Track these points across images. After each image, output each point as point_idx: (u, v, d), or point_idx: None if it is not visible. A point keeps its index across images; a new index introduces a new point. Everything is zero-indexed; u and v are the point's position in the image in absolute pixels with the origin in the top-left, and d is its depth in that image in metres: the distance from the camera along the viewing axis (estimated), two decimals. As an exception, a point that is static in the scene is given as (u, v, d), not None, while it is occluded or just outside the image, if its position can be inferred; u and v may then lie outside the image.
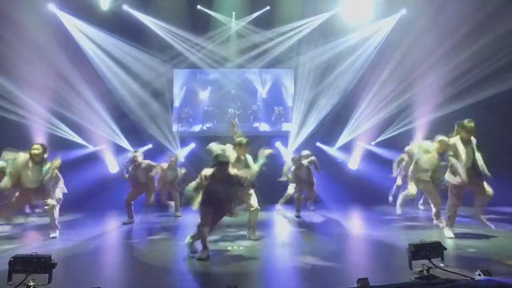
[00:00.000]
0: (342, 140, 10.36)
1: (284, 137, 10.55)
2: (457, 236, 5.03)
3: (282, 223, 7.10)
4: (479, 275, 3.10)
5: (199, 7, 9.93)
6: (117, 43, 9.84)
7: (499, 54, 8.60)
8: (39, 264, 2.93)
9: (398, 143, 9.68)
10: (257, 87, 10.68)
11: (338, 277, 3.55)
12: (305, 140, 10.08)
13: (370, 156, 10.17)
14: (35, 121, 9.03)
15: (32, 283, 2.86)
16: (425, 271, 3.13)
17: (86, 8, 9.41)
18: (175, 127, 10.46)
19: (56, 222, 5.40)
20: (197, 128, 10.55)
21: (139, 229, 6.36)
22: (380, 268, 3.74)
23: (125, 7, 9.65)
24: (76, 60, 9.35)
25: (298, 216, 7.38)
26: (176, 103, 10.54)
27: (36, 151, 5.21)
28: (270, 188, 8.91)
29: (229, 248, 4.61)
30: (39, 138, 8.74)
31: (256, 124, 10.59)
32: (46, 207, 5.35)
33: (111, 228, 6.58)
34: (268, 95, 10.66)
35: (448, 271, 3.19)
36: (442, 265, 3.27)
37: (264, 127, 10.62)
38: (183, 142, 10.28)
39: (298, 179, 7.62)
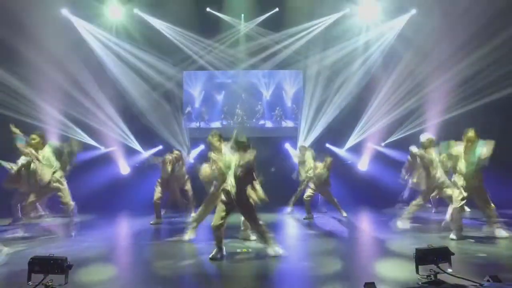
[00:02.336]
0: (351, 141, 10.33)
1: (293, 138, 10.58)
2: (466, 240, 5.01)
3: (290, 225, 7.14)
4: (488, 281, 3.09)
5: (208, 9, 10.02)
6: (127, 46, 10.00)
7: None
8: (56, 265, 3.03)
9: (408, 144, 9.60)
10: (260, 90, 10.83)
11: (345, 281, 3.58)
12: (314, 141, 10.10)
13: (380, 158, 10.12)
14: (49, 124, 9.24)
15: (50, 283, 2.97)
16: (432, 276, 3.12)
17: (98, 12, 9.59)
18: (185, 128, 10.62)
19: None
20: (213, 125, 10.76)
21: (152, 230, 6.47)
22: (387, 272, 3.75)
23: (136, 11, 9.81)
24: (88, 63, 9.53)
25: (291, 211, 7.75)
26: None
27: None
28: (279, 189, 8.96)
29: (238, 250, 4.67)
30: (53, 140, 8.95)
31: (261, 122, 10.84)
32: None
33: (124, 229, 6.71)
34: (271, 96, 10.83)
35: (456, 276, 3.17)
36: (450, 270, 3.26)
37: (268, 124, 10.86)
38: (194, 144, 10.39)
39: (316, 179, 7.59)
